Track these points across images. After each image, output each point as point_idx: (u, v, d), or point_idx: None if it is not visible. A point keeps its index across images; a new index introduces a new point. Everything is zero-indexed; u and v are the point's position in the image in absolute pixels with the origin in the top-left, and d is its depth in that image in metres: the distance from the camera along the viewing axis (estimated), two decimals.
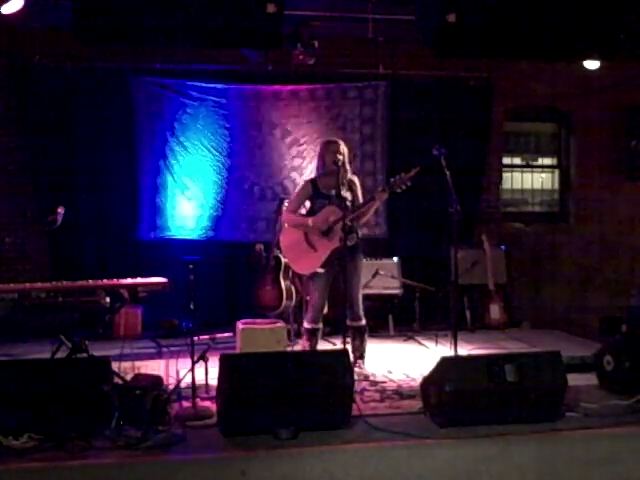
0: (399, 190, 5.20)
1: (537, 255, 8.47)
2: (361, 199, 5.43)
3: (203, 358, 4.49)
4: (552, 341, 6.63)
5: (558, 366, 4.21)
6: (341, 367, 4.05)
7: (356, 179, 5.54)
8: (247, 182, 7.61)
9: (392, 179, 5.25)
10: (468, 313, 7.47)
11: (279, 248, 5.96)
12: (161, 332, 6.80)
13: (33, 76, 7.13)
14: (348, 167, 5.47)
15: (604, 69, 7.21)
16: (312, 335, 5.47)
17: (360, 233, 5.50)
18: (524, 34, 5.70)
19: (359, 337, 5.44)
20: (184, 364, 4.77)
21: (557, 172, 8.92)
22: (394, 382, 5.16)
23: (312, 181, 5.53)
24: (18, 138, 7.27)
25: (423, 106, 7.81)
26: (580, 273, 8.54)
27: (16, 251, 7.31)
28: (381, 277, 7.04)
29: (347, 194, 5.34)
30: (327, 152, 5.41)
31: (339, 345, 5.50)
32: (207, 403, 4.47)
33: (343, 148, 5.41)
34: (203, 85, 7.48)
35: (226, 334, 6.40)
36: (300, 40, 6.76)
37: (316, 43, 6.88)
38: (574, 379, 4.51)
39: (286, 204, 6.11)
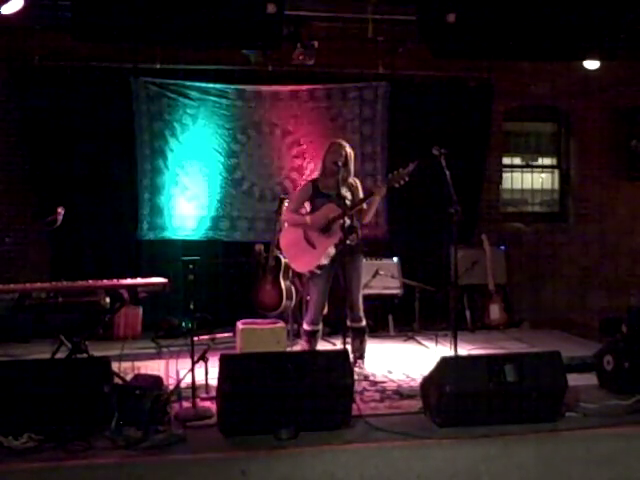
0: (397, 185, 5.23)
1: (537, 255, 8.47)
2: None
3: (203, 358, 4.49)
4: (552, 341, 6.63)
5: (558, 366, 4.21)
6: (341, 367, 4.05)
7: (357, 181, 5.54)
8: (247, 182, 7.61)
9: (390, 174, 5.30)
10: (468, 313, 7.47)
11: (279, 248, 5.96)
12: (161, 332, 6.80)
13: (33, 76, 7.13)
14: (351, 169, 5.47)
15: (604, 69, 7.21)
16: (311, 337, 5.46)
17: (360, 233, 5.50)
18: (524, 34, 5.71)
19: (359, 338, 5.44)
20: (184, 364, 4.77)
21: (557, 172, 8.92)
22: (394, 382, 5.16)
23: (313, 181, 5.54)
24: (18, 138, 7.27)
25: (423, 106, 7.80)
26: (580, 273, 8.54)
27: (16, 251, 7.31)
28: (381, 277, 7.03)
29: (347, 194, 5.35)
30: (328, 153, 5.43)
31: (339, 345, 5.50)
32: (207, 403, 4.47)
33: (346, 150, 5.40)
34: (203, 85, 7.48)
35: (226, 334, 6.40)
36: (300, 40, 6.76)
37: (316, 43, 6.88)
38: (574, 379, 4.50)
39: (286, 204, 6.12)
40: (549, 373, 4.15)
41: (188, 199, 7.50)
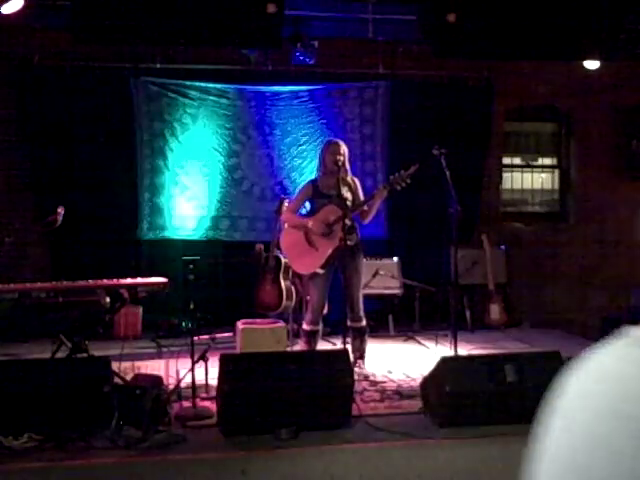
0: (399, 187, 5.21)
1: (537, 255, 8.46)
2: (362, 199, 5.43)
3: (203, 358, 4.49)
4: (552, 341, 6.63)
5: (558, 366, 4.21)
6: (341, 367, 4.05)
7: (356, 180, 5.54)
8: (247, 182, 7.61)
9: (391, 176, 5.27)
10: (468, 313, 7.47)
11: (279, 248, 5.95)
12: (161, 332, 6.80)
13: (33, 76, 7.13)
14: (348, 167, 5.47)
15: (604, 69, 7.21)
16: (311, 337, 5.46)
17: (360, 233, 5.50)
18: (524, 34, 5.71)
19: (359, 337, 5.44)
20: (184, 364, 4.76)
21: (557, 172, 8.92)
22: (394, 382, 5.15)
23: (313, 182, 5.54)
24: (18, 138, 7.27)
25: (423, 106, 7.80)
26: (580, 273, 8.53)
27: (16, 251, 7.31)
28: (381, 277, 7.03)
29: (348, 194, 5.35)
30: (328, 153, 5.41)
31: (339, 345, 5.49)
32: (207, 403, 4.47)
33: (344, 149, 5.41)
34: (203, 85, 7.48)
35: (226, 334, 6.40)
36: (300, 40, 6.76)
37: (316, 43, 6.88)
38: None
39: (286, 204, 6.11)
40: (549, 373, 4.15)
41: (188, 199, 7.50)
